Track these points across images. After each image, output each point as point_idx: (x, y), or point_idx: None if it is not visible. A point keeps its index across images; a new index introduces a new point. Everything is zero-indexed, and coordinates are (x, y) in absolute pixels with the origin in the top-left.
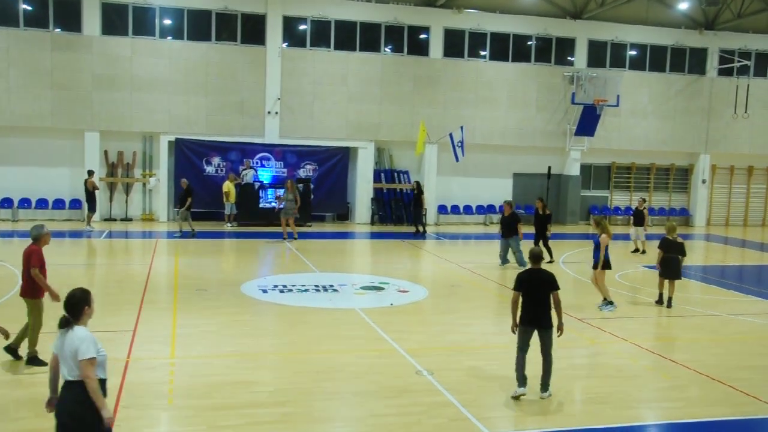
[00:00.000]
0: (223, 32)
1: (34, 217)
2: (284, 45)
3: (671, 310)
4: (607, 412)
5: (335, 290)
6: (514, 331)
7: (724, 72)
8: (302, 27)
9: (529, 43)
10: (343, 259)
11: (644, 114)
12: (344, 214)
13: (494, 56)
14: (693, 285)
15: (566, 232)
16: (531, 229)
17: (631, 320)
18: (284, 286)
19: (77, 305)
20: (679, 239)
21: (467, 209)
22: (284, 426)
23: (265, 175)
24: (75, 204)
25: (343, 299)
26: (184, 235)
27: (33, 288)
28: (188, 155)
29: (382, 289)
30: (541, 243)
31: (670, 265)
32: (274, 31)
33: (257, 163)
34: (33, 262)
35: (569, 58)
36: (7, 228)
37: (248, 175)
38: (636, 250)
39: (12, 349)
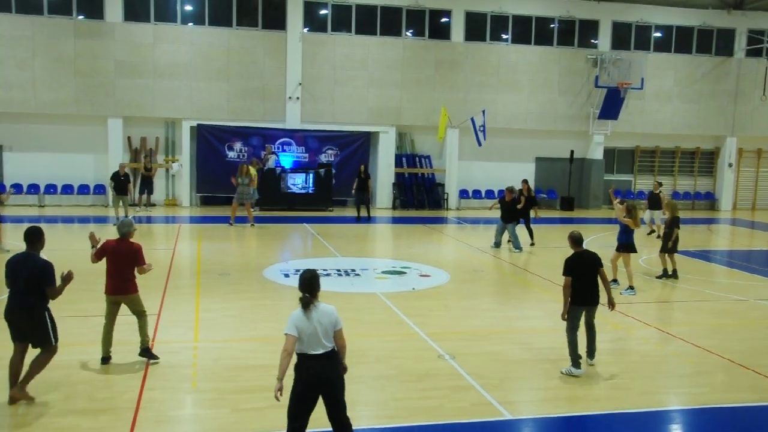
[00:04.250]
0: (244, 18)
1: (59, 202)
2: (305, 30)
3: (695, 294)
4: (632, 397)
5: (357, 275)
6: (564, 318)
7: (753, 53)
8: (323, 12)
9: (552, 25)
10: (364, 244)
11: (669, 97)
12: None
13: (516, 39)
14: (719, 269)
15: (589, 217)
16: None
17: (656, 305)
18: None
19: (314, 284)
20: None
21: (489, 194)
22: None
23: (287, 161)
24: (99, 189)
25: (365, 283)
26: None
27: (135, 283)
28: (210, 141)
29: (404, 273)
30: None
31: (677, 240)
32: (294, 16)
33: (279, 148)
34: (140, 260)
35: (593, 40)
36: (34, 214)
37: (270, 161)
38: (652, 232)
39: (146, 350)
